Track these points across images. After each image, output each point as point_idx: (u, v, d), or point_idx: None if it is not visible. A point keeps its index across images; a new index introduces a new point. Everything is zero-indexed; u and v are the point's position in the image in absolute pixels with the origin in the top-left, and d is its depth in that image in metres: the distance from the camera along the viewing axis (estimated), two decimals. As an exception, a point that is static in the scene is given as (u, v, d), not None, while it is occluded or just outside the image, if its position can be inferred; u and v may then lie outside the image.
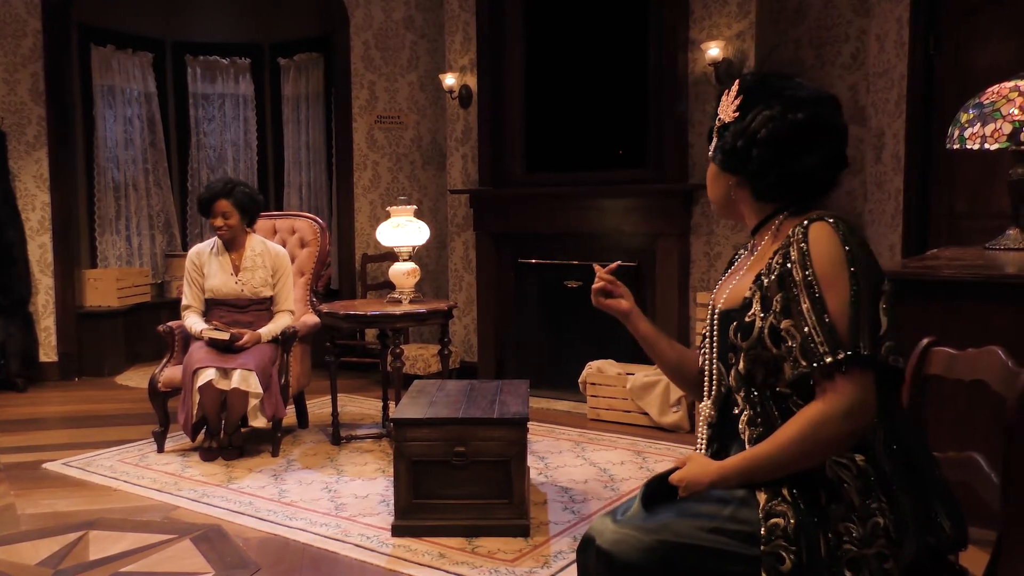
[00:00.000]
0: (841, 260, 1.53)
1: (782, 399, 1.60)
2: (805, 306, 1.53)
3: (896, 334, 1.54)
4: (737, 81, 1.73)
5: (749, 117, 1.67)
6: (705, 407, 1.77)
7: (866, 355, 1.49)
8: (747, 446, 1.63)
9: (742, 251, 1.85)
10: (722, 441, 1.72)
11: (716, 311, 1.75)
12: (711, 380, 1.76)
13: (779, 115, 1.64)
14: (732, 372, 1.67)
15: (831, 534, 1.49)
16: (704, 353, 1.80)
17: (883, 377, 1.53)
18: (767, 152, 1.65)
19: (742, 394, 1.65)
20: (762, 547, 1.50)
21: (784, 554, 1.49)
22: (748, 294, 1.64)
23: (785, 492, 1.53)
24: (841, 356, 1.49)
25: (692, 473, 1.62)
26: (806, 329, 1.52)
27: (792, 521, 1.50)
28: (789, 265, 1.57)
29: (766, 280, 1.61)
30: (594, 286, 1.91)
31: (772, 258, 1.62)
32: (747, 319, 1.62)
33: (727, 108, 1.72)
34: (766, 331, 1.59)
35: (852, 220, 1.62)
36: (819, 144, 1.65)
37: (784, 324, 1.56)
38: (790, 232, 1.61)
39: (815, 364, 1.51)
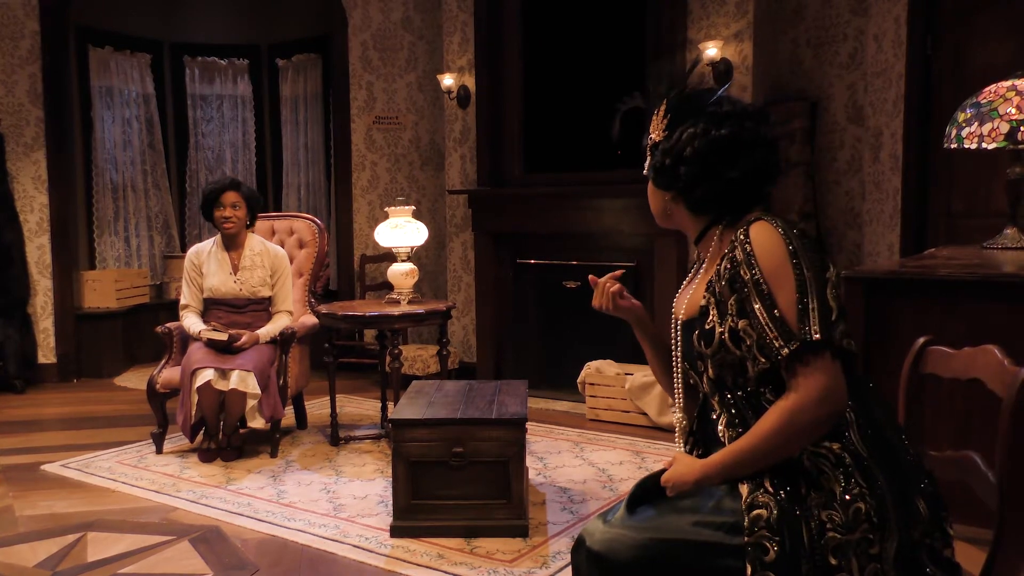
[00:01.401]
0: (784, 254, 1.58)
1: (755, 398, 1.63)
2: (756, 305, 1.58)
3: (845, 319, 1.59)
4: (664, 100, 1.79)
5: (676, 135, 1.74)
6: (675, 416, 1.83)
7: (817, 340, 1.53)
8: None
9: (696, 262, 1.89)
10: (705, 447, 1.77)
11: (679, 322, 1.80)
12: (681, 389, 1.81)
13: (702, 132, 1.71)
14: (704, 379, 1.71)
15: (813, 522, 1.52)
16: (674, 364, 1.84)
17: (842, 361, 1.56)
18: (693, 168, 1.72)
19: (717, 399, 1.69)
20: (746, 538, 1.53)
21: (768, 544, 1.51)
22: (703, 302, 1.69)
23: (767, 484, 1.56)
24: (795, 347, 1.53)
25: (678, 473, 1.66)
26: (760, 326, 1.57)
27: (774, 512, 1.53)
28: (736, 267, 1.62)
29: (717, 287, 1.66)
30: (611, 289, 1.89)
31: (720, 264, 1.67)
32: (707, 326, 1.67)
33: (656, 127, 1.79)
34: (726, 335, 1.63)
35: (790, 219, 1.67)
36: (743, 157, 1.70)
37: (741, 324, 1.61)
38: (733, 237, 1.66)
39: (773, 359, 1.56)
